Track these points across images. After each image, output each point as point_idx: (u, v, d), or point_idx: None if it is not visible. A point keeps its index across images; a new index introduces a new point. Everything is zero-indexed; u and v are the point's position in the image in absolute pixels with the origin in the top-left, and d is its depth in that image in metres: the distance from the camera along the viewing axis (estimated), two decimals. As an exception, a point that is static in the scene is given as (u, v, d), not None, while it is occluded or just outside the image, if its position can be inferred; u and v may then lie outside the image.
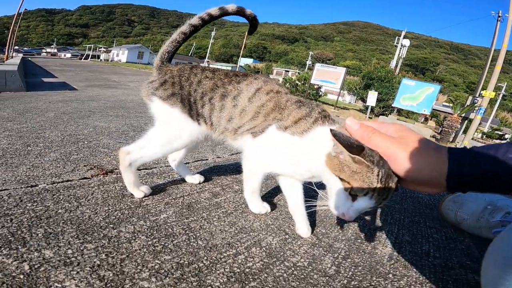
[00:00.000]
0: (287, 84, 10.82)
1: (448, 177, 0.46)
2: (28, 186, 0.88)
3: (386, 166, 0.54)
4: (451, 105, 7.59)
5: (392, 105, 8.67)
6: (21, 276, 0.52)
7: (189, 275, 0.61)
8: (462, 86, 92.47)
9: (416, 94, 7.89)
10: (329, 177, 0.62)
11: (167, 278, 0.58)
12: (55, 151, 1.25)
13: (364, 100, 10.53)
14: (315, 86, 10.14)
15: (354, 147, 0.55)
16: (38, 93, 3.13)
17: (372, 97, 8.40)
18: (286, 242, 0.81)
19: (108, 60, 31.51)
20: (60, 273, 0.55)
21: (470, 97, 7.96)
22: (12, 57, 10.43)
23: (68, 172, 1.05)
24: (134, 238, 0.70)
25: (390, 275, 0.75)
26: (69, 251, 0.61)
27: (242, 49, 19.26)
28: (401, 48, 25.61)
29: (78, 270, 0.56)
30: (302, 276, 0.68)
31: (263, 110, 0.74)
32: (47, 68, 8.06)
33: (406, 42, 25.81)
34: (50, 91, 3.33)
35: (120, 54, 40.70)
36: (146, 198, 0.93)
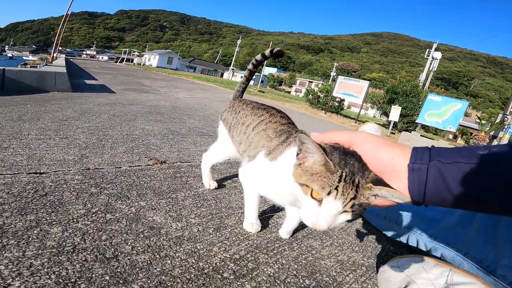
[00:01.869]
0: (310, 95, 10.85)
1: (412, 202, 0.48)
2: (116, 167, 1.21)
3: (352, 164, 0.53)
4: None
5: (416, 121, 8.45)
6: (132, 215, 0.85)
7: (216, 217, 0.96)
8: (497, 102, 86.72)
9: (442, 111, 7.64)
10: (297, 188, 0.59)
11: (205, 218, 0.94)
12: (121, 146, 1.54)
13: (387, 115, 10.30)
14: (337, 99, 10.09)
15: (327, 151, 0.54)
16: (83, 94, 3.48)
17: (395, 112, 8.24)
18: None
19: (140, 64, 33.26)
20: (151, 213, 0.89)
21: (500, 115, 7.58)
22: (56, 58, 11.32)
23: (136, 160, 1.35)
24: (185, 198, 1.06)
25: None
26: (153, 203, 0.96)
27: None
28: (432, 60, 24.75)
29: (159, 212, 0.91)
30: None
31: (258, 138, 0.85)
32: (87, 70, 8.74)
33: (438, 55, 24.88)
34: (92, 93, 3.69)
35: (152, 59, 42.73)
36: (189, 178, 1.27)
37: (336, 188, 0.51)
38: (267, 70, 61.47)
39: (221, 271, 0.68)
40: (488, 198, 0.40)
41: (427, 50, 25.92)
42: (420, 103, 9.56)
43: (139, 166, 1.27)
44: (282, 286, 0.68)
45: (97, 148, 1.41)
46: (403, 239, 0.96)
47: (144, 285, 0.58)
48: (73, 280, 0.54)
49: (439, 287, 0.60)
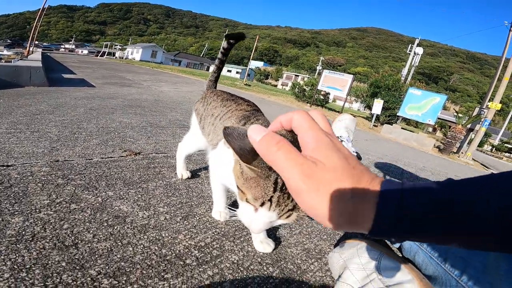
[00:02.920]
0: (296, 88, 10.94)
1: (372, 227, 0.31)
2: (87, 159, 1.20)
3: None
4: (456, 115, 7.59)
5: (397, 114, 8.71)
6: (98, 204, 0.86)
7: (185, 206, 0.98)
8: (475, 96, 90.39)
9: (422, 104, 7.91)
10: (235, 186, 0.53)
11: (174, 207, 0.96)
12: (96, 138, 1.52)
13: (370, 108, 10.55)
14: (322, 92, 10.24)
15: (246, 152, 0.42)
16: (60, 88, 3.37)
17: (377, 106, 8.46)
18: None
19: (122, 58, 32.29)
20: (117, 203, 0.90)
21: (477, 108, 7.94)
22: (32, 52, 10.83)
23: (109, 152, 1.34)
24: (156, 188, 1.07)
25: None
26: (121, 193, 0.97)
27: (253, 51, 19.44)
28: (414, 56, 25.39)
29: (127, 201, 0.92)
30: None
31: (222, 126, 0.81)
32: (66, 64, 8.42)
33: (419, 50, 25.53)
34: (70, 87, 3.58)
35: (135, 53, 41.60)
36: (163, 168, 1.28)
37: (270, 200, 0.44)
38: (254, 64, 61.17)
39: (184, 258, 0.69)
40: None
41: (410, 45, 26.54)
42: (401, 96, 9.85)
43: (111, 157, 1.27)
44: (245, 273, 0.70)
45: (69, 141, 1.39)
46: None
47: (101, 270, 0.59)
48: (28, 266, 0.55)
49: (369, 271, 0.61)
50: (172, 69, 16.83)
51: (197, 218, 0.90)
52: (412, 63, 25.11)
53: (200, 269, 0.67)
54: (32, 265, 0.55)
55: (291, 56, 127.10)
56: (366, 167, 0.31)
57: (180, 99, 4.16)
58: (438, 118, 9.36)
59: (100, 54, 29.60)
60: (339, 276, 0.66)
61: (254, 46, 20.05)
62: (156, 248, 0.70)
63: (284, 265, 0.77)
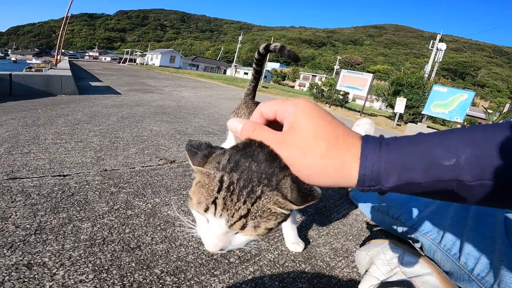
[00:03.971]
0: (314, 89, 10.86)
1: (358, 182, 0.35)
2: (130, 168, 1.29)
3: (249, 165, 0.38)
4: (488, 111, 7.22)
5: (422, 112, 8.42)
6: (149, 210, 0.94)
7: None
8: (506, 91, 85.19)
9: (448, 101, 7.61)
10: None
11: None
12: (133, 147, 1.62)
13: (392, 107, 10.28)
14: (341, 92, 10.10)
15: (199, 157, 0.41)
16: (90, 97, 3.56)
17: (400, 104, 8.23)
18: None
19: (143, 64, 33.42)
20: (165, 209, 0.98)
21: (508, 104, 7.52)
22: (60, 60, 11.47)
23: (147, 160, 1.44)
24: None
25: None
26: (166, 199, 1.04)
27: (268, 53, 19.42)
28: (437, 51, 24.42)
29: (172, 208, 1.00)
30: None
31: None
32: (92, 72, 8.86)
33: (442, 46, 24.50)
34: (99, 95, 3.78)
35: (154, 58, 42.93)
36: None
37: (214, 202, 0.38)
38: (270, 65, 61.21)
39: (228, 257, 0.76)
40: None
41: (431, 41, 25.55)
42: (425, 94, 9.51)
43: (150, 166, 1.36)
44: (281, 269, 0.76)
45: (110, 150, 1.50)
46: (392, 229, 1.03)
47: (163, 269, 0.66)
48: (106, 267, 0.63)
49: (393, 266, 0.69)
50: (190, 73, 17.21)
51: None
52: (436, 59, 24.16)
53: (243, 266, 0.74)
54: (109, 266, 0.63)
55: (307, 56, 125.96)
56: (346, 127, 0.35)
57: (201, 104, 4.27)
58: (467, 115, 8.96)
59: (122, 61, 30.81)
60: (366, 271, 0.73)
61: (270, 48, 20.05)
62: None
63: (315, 262, 0.82)
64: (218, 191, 0.37)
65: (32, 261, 0.60)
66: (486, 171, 0.31)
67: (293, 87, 42.59)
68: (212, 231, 0.40)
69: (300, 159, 0.34)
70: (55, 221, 0.76)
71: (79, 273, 0.60)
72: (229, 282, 0.67)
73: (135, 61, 34.70)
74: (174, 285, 0.63)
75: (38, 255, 0.63)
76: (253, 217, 0.38)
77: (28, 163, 1.15)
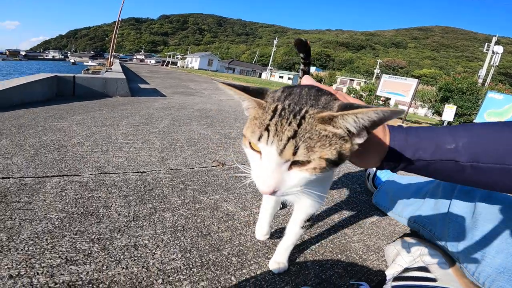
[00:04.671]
0: (351, 94, 10.61)
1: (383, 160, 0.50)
2: (190, 168, 1.45)
3: (298, 94, 0.40)
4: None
5: (474, 120, 7.78)
6: (212, 205, 1.10)
7: None
8: None
9: (504, 109, 6.94)
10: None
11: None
12: (188, 149, 1.81)
13: (440, 114, 9.61)
14: (382, 98, 9.70)
15: (255, 91, 0.42)
16: (140, 99, 3.89)
17: (449, 112, 7.69)
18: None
19: (183, 67, 35.19)
20: (224, 204, 1.12)
21: None
22: (112, 63, 12.58)
23: (202, 162, 1.60)
24: (247, 194, 1.26)
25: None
26: (224, 196, 1.18)
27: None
28: (492, 55, 22.25)
29: (230, 203, 1.13)
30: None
31: None
32: (140, 75, 9.61)
33: (499, 49, 22.28)
34: (148, 97, 4.12)
35: (193, 61, 45.00)
36: (248, 179, 1.42)
37: (266, 129, 0.37)
38: (305, 69, 60.23)
39: (277, 245, 0.89)
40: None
41: (486, 44, 23.34)
42: (478, 101, 8.77)
43: (206, 167, 1.53)
44: (321, 257, 0.88)
45: (170, 151, 1.71)
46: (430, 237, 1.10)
47: (229, 252, 0.82)
48: (188, 249, 0.79)
49: (415, 256, 0.82)
50: (227, 76, 17.76)
51: (281, 217, 1.08)
52: (491, 63, 22.03)
53: (290, 253, 0.86)
54: (191, 248, 0.80)
55: (344, 59, 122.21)
56: None
57: (239, 109, 4.45)
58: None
59: (165, 64, 32.78)
60: (393, 261, 0.86)
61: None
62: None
63: (349, 254, 0.93)
64: (271, 119, 0.38)
65: (137, 243, 0.78)
66: (477, 155, 0.42)
67: (328, 91, 41.42)
68: (265, 166, 0.38)
69: None
70: (145, 210, 0.95)
71: (171, 252, 0.76)
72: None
73: (176, 64, 36.65)
74: (238, 264, 0.78)
75: (140, 238, 0.80)
76: (301, 138, 0.36)
77: (110, 160, 1.39)
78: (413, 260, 0.81)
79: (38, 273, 0.63)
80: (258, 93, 0.42)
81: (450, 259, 0.78)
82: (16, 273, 0.62)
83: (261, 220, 0.85)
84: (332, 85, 48.49)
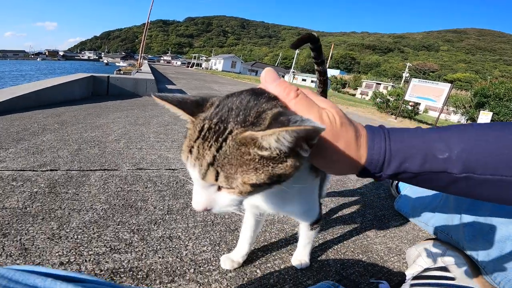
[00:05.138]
0: (378, 98, 10.28)
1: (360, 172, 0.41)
2: None
3: (232, 105, 0.35)
4: None
5: None
6: None
7: None
8: None
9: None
10: None
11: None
12: None
13: (475, 121, 9.07)
14: (410, 103, 9.30)
15: (189, 105, 0.38)
16: None
17: (484, 118, 7.26)
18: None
19: (207, 68, 36.05)
20: None
21: None
22: (142, 64, 13.16)
23: None
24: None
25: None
26: None
27: (328, 59, 19.09)
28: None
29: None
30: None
31: None
32: (166, 75, 10.01)
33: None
34: None
35: (217, 63, 45.97)
36: None
37: (190, 151, 0.35)
38: (329, 72, 59.56)
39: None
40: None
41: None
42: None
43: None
44: (343, 256, 0.91)
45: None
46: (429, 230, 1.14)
47: (255, 247, 0.88)
48: (217, 242, 0.86)
49: (436, 257, 0.83)
50: (250, 79, 17.95)
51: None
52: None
53: (312, 251, 0.89)
54: (219, 241, 0.86)
55: (370, 63, 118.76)
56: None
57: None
58: None
59: (190, 65, 33.77)
60: (413, 262, 0.87)
61: (330, 54, 19.64)
62: (283, 235, 0.95)
63: (370, 255, 0.95)
64: (195, 140, 0.34)
65: (171, 235, 0.85)
66: (472, 165, 0.36)
67: (354, 95, 40.48)
68: (195, 186, 0.37)
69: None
70: (178, 205, 1.02)
71: (202, 245, 0.83)
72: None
73: (200, 66, 37.62)
74: (263, 258, 0.83)
75: (174, 230, 0.88)
76: (220, 164, 0.33)
77: (144, 157, 1.49)
78: (433, 260, 0.83)
79: (86, 261, 0.71)
80: (197, 105, 0.38)
81: (469, 260, 0.79)
82: (67, 260, 0.70)
83: (239, 241, 0.78)
84: (357, 89, 47.23)
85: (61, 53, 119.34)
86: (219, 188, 0.36)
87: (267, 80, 0.39)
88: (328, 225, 1.10)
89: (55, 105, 2.64)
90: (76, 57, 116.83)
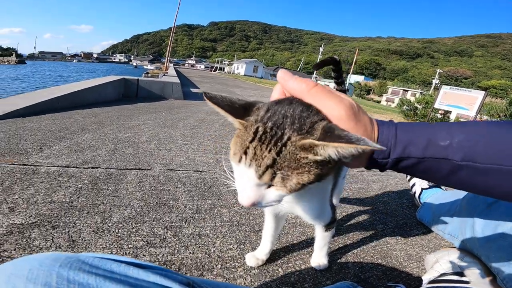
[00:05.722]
0: (404, 106, 9.94)
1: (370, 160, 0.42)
2: None
3: (281, 113, 0.38)
4: None
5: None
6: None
7: None
8: None
9: None
10: None
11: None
12: None
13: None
14: (440, 111, 8.89)
15: (236, 108, 0.41)
16: (192, 102, 4.16)
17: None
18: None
19: (230, 73, 36.68)
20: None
21: None
22: (168, 67, 13.64)
23: None
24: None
25: None
26: None
27: (352, 65, 18.79)
28: None
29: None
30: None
31: None
32: (191, 79, 10.32)
33: None
34: (198, 101, 4.36)
35: (240, 68, 46.65)
36: None
37: (245, 152, 0.38)
38: (353, 78, 58.30)
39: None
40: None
41: None
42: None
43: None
44: (362, 260, 0.93)
45: (222, 154, 1.86)
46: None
47: (278, 247, 0.92)
48: (242, 241, 0.92)
49: (453, 263, 0.85)
50: (271, 84, 18.04)
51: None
52: None
53: (332, 254, 0.94)
54: (244, 241, 0.92)
55: (397, 68, 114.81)
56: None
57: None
58: None
59: (213, 69, 34.55)
60: (431, 268, 0.89)
61: (354, 60, 19.31)
62: (304, 237, 0.97)
63: (389, 260, 0.96)
64: (251, 141, 0.37)
65: (200, 233, 0.93)
66: (473, 154, 0.37)
67: (379, 102, 39.20)
68: (245, 183, 0.39)
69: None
70: (206, 205, 1.10)
71: (228, 243, 0.89)
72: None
73: (223, 70, 38.34)
74: (285, 258, 0.88)
75: (203, 229, 0.95)
76: (280, 167, 0.36)
77: (174, 159, 1.59)
78: (451, 267, 0.84)
79: (126, 253, 0.78)
80: (243, 109, 0.42)
81: (485, 267, 0.80)
82: (109, 252, 0.78)
83: (262, 240, 0.84)
84: (382, 95, 45.75)
85: (95, 55, 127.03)
86: (268, 186, 0.39)
87: (285, 78, 0.42)
88: (348, 230, 1.13)
89: (90, 105, 2.84)
90: (108, 60, 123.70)
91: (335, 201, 1.01)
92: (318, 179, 0.38)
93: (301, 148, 0.36)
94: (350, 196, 1.49)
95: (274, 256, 0.86)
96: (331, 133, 0.36)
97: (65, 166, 1.28)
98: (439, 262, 0.88)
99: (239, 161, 0.39)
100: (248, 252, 0.85)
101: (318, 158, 0.36)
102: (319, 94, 0.40)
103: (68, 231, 0.84)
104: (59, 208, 0.94)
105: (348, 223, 1.19)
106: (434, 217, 1.21)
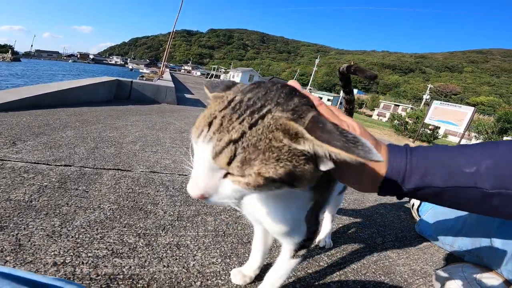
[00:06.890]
0: (395, 121, 10.05)
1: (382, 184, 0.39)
2: None
3: (262, 93, 0.32)
4: None
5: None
6: None
7: None
8: None
9: None
10: None
11: None
12: None
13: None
14: (430, 127, 9.03)
15: (221, 86, 0.36)
16: (185, 107, 4.12)
17: (508, 147, 6.88)
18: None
19: (225, 80, 36.75)
20: None
21: None
22: (164, 72, 13.53)
23: None
24: None
25: None
26: None
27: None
28: None
29: None
30: None
31: None
32: (186, 85, 10.27)
33: None
34: (192, 107, 4.33)
35: (235, 76, 46.90)
36: None
37: (210, 123, 0.31)
38: (346, 90, 58.90)
39: (318, 261, 0.88)
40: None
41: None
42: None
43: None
44: (363, 278, 0.84)
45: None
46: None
47: (268, 262, 0.81)
48: (228, 254, 0.80)
49: (469, 280, 0.79)
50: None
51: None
52: None
53: (329, 270, 0.86)
54: (230, 254, 0.80)
55: (390, 83, 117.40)
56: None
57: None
58: None
59: (209, 77, 34.66)
60: (443, 285, 0.82)
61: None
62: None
63: (393, 277, 0.88)
64: (221, 110, 0.30)
65: (179, 243, 0.81)
66: (505, 180, 0.33)
67: (370, 116, 39.74)
68: (197, 166, 0.32)
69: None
70: (189, 212, 0.98)
71: (211, 256, 0.77)
72: (319, 281, 0.79)
73: (219, 77, 38.53)
74: None
75: (183, 238, 0.83)
76: (245, 146, 0.28)
77: (159, 161, 1.48)
78: (468, 283, 0.79)
79: (83, 263, 0.66)
80: (227, 87, 0.36)
81: (508, 282, 0.75)
82: (62, 260, 0.65)
83: (251, 254, 0.70)
84: (374, 110, 46.38)
85: (91, 56, 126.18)
86: (225, 176, 0.31)
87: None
88: (346, 243, 1.04)
89: (79, 105, 2.72)
90: (104, 61, 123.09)
91: (327, 214, 0.92)
92: (288, 179, 0.30)
93: (281, 128, 0.29)
94: (346, 207, 1.41)
95: (264, 272, 0.75)
96: (323, 125, 0.29)
97: (35, 162, 1.15)
98: (452, 279, 0.81)
99: (199, 135, 0.31)
100: (234, 267, 0.74)
101: (298, 147, 0.29)
102: (322, 113, 0.36)
103: (17, 234, 0.71)
104: (14, 207, 0.82)
105: (346, 236, 1.10)
106: (437, 231, 1.16)
